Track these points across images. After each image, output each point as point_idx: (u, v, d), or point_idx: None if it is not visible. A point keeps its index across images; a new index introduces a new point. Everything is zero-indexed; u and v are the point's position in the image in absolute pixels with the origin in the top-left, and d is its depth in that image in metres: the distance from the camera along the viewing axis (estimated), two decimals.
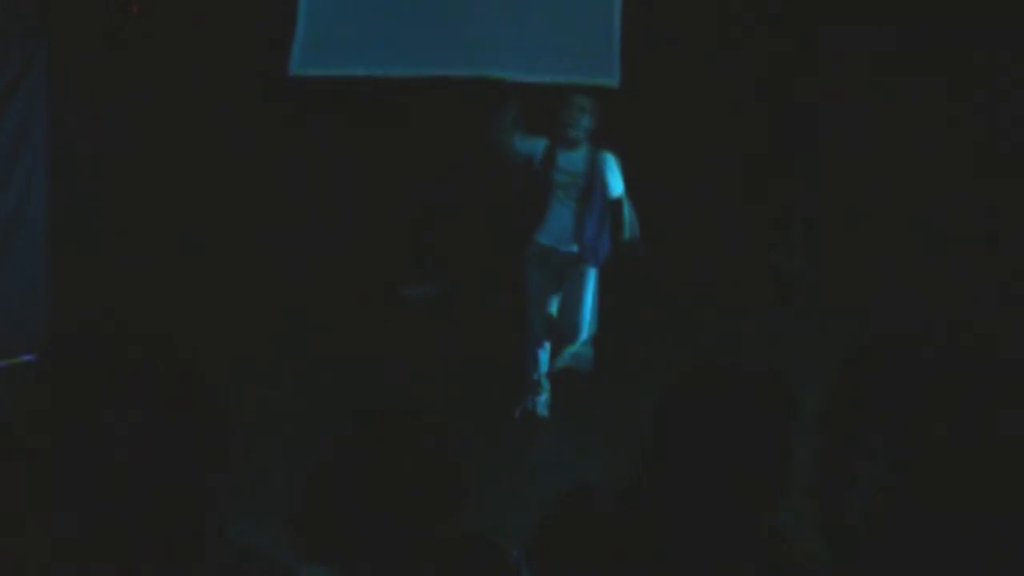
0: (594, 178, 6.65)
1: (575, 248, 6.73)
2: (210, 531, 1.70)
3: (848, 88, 9.12)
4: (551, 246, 6.79)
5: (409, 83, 8.66)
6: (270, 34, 8.55)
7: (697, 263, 9.03)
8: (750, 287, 9.17)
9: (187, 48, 8.52)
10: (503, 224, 7.56)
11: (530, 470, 6.15)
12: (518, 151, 6.70)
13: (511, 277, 7.38)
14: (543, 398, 7.00)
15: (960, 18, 8.81)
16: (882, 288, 8.40)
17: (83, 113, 7.99)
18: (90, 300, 7.40)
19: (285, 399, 6.95)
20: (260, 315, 8.21)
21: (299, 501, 2.26)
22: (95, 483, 1.58)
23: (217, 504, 1.70)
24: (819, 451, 1.56)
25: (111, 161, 8.21)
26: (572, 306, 6.80)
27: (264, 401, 6.67)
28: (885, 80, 8.99)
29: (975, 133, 8.85)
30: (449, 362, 7.65)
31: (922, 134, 8.95)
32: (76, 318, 7.01)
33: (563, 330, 6.85)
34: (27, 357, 6.59)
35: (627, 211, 6.73)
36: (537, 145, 6.72)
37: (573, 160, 6.68)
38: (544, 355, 6.93)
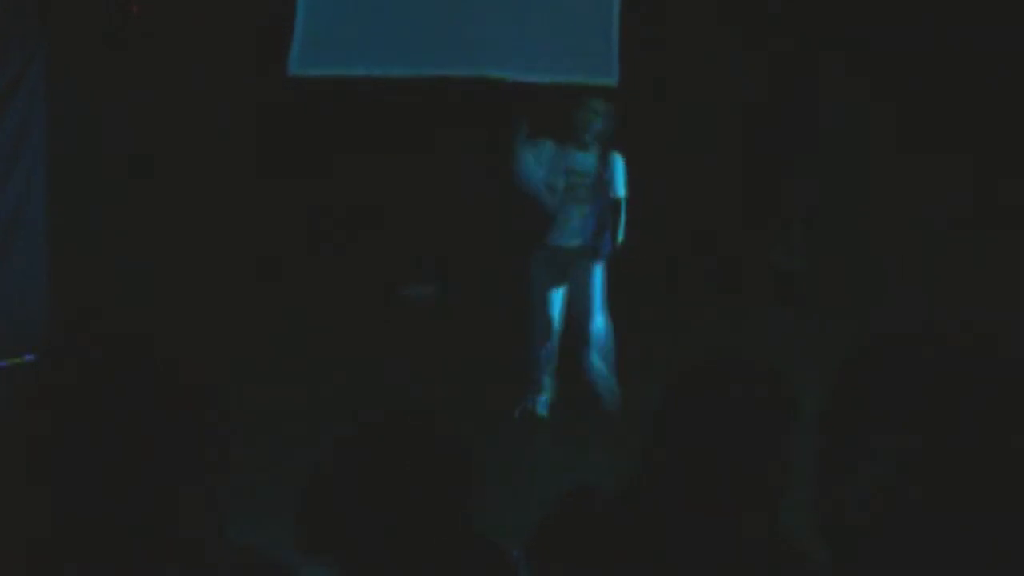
0: (603, 178, 6.67)
1: (579, 242, 6.73)
2: (210, 531, 1.70)
3: (848, 88, 9.12)
4: (558, 245, 6.80)
5: (409, 83, 8.67)
6: (270, 34, 8.56)
7: (697, 263, 9.03)
8: (750, 287, 9.18)
9: (187, 48, 8.52)
10: (509, 226, 7.57)
11: (530, 470, 6.14)
12: (529, 164, 6.68)
13: (511, 277, 7.38)
14: (543, 398, 7.00)
15: (960, 18, 8.82)
16: (882, 288, 8.40)
17: (83, 113, 7.99)
18: (90, 300, 7.40)
19: (285, 399, 6.95)
20: (260, 315, 8.21)
21: (300, 500, 2.26)
22: (95, 483, 1.58)
23: (217, 504, 1.70)
24: (819, 451, 1.56)
25: (111, 161, 8.21)
26: (582, 298, 6.80)
27: (264, 401, 6.67)
28: (885, 80, 8.99)
29: (975, 133, 8.85)
30: (449, 362, 7.65)
31: (922, 134, 8.95)
32: (76, 318, 7.02)
33: (578, 322, 6.83)
34: (27, 357, 6.60)
35: (623, 214, 6.75)
36: (544, 150, 6.70)
37: (585, 161, 6.69)
38: (547, 356, 6.94)
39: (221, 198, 8.62)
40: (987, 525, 1.42)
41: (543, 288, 6.86)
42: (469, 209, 8.96)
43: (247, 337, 7.76)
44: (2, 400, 1.69)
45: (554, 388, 7.01)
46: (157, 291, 7.71)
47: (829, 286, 8.93)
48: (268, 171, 8.82)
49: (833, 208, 9.25)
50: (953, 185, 8.77)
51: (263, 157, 8.82)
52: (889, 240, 9.01)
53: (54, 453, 1.60)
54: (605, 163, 6.67)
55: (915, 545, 1.44)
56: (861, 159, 9.11)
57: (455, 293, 9.08)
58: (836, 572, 1.53)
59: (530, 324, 6.93)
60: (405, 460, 2.26)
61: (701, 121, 9.08)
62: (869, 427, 1.49)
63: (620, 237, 6.75)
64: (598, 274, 6.78)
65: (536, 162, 6.65)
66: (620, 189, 6.72)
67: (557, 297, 6.88)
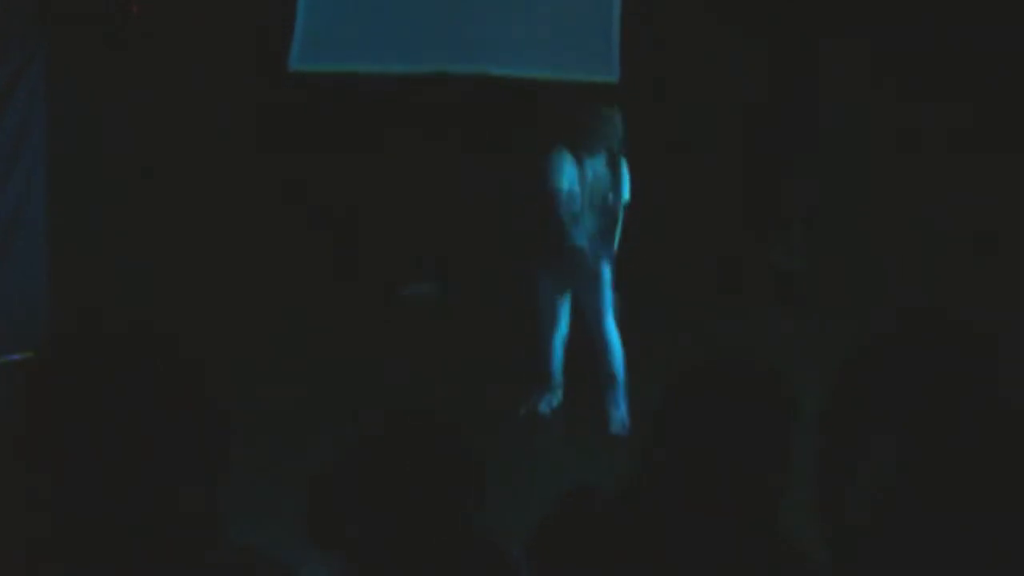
0: (610, 183, 6.71)
1: (588, 247, 6.74)
2: (210, 531, 1.70)
3: (848, 88, 9.12)
4: (569, 251, 6.80)
5: (410, 82, 8.67)
6: (270, 32, 8.57)
7: (697, 263, 9.03)
8: (750, 287, 9.17)
9: (187, 48, 8.52)
10: (509, 226, 7.57)
11: (530, 470, 6.14)
12: (564, 175, 6.67)
13: (511, 277, 7.38)
14: (549, 397, 7.03)
15: (960, 18, 8.81)
16: (882, 288, 8.40)
17: (83, 113, 7.99)
18: (90, 300, 7.40)
19: (285, 399, 6.95)
20: (260, 315, 8.21)
21: (300, 501, 2.26)
22: (95, 483, 1.58)
23: (217, 504, 1.70)
24: (819, 451, 1.56)
25: (111, 161, 8.21)
26: (593, 303, 6.81)
27: (264, 401, 6.67)
28: (885, 80, 8.99)
29: (975, 133, 8.85)
30: (449, 362, 7.65)
31: (922, 134, 8.95)
32: (76, 318, 7.02)
33: (590, 327, 6.84)
34: (27, 357, 6.60)
35: (621, 219, 6.80)
36: (565, 159, 6.68)
37: (596, 168, 6.71)
38: (555, 356, 6.96)
39: (221, 198, 8.61)
40: (987, 525, 1.42)
41: (552, 294, 6.88)
42: (469, 209, 8.95)
43: (247, 337, 7.76)
44: (2, 399, 1.69)
45: (560, 387, 7.03)
46: (157, 291, 7.71)
47: (829, 286, 8.93)
48: (268, 171, 8.82)
49: (833, 208, 9.24)
50: (953, 185, 8.77)
51: (263, 157, 8.81)
52: (889, 240, 9.01)
53: (54, 453, 1.60)
54: (614, 168, 6.70)
55: (915, 545, 1.44)
56: (861, 159, 9.10)
57: (455, 293, 9.08)
58: (836, 572, 1.53)
59: (539, 326, 6.94)
60: (405, 460, 2.26)
61: (701, 121, 9.07)
62: (869, 427, 1.49)
63: (616, 241, 6.80)
64: (606, 277, 6.80)
65: (564, 172, 6.66)
66: (625, 194, 6.76)
67: (565, 301, 6.90)
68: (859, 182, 9.09)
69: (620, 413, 6.81)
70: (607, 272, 6.80)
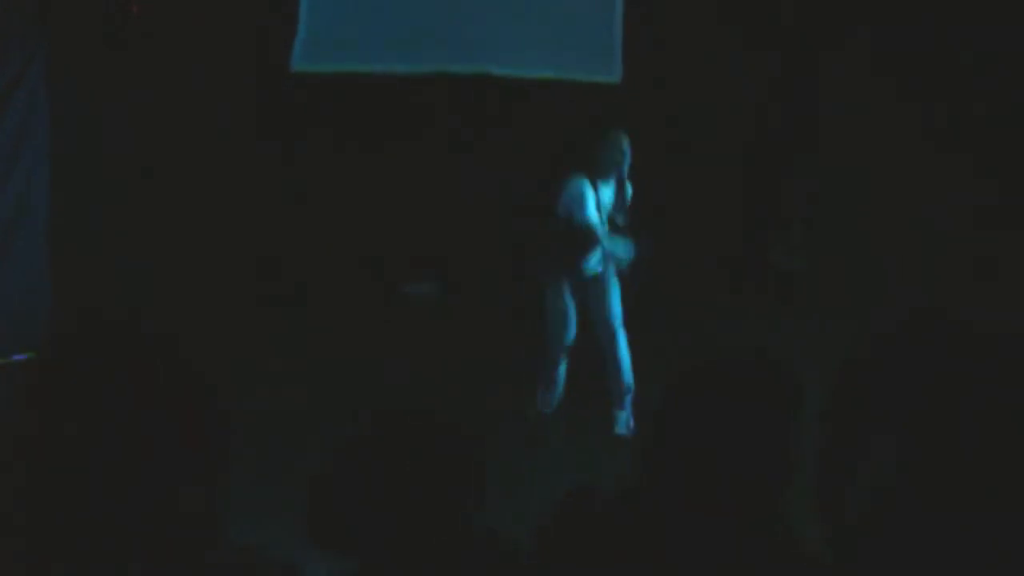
0: (619, 202, 6.79)
1: (599, 267, 6.84)
2: (210, 531, 1.70)
3: (848, 88, 9.12)
4: (582, 273, 6.87)
5: (410, 82, 8.67)
6: (270, 32, 8.56)
7: (697, 263, 9.03)
8: (750, 287, 9.17)
9: (187, 48, 8.51)
10: (509, 226, 7.57)
11: (530, 470, 6.14)
12: (593, 205, 6.74)
13: (511, 277, 7.39)
14: (552, 396, 7.04)
15: (960, 18, 8.81)
16: (882, 288, 8.40)
17: (83, 113, 7.99)
18: (90, 300, 7.40)
19: (285, 399, 6.95)
20: (260, 315, 8.21)
21: (300, 501, 2.26)
22: (95, 483, 1.58)
23: (217, 504, 1.70)
24: (819, 451, 1.56)
25: (111, 161, 8.21)
26: (604, 317, 6.86)
27: (264, 401, 6.67)
28: (885, 80, 8.99)
29: (975, 133, 8.85)
30: (449, 362, 7.66)
31: (922, 134, 8.95)
32: (76, 317, 7.02)
33: (602, 339, 6.88)
34: (27, 356, 6.60)
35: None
36: (586, 187, 6.73)
37: (608, 193, 6.80)
38: (561, 359, 6.97)
39: (221, 198, 8.61)
40: (987, 525, 1.42)
41: (563, 305, 6.90)
42: (469, 209, 8.95)
43: (247, 337, 7.76)
44: (2, 399, 1.69)
45: (562, 387, 7.05)
46: (157, 291, 7.70)
47: (829, 286, 8.93)
48: (268, 171, 8.82)
49: (833, 208, 9.24)
50: (953, 185, 8.77)
51: (263, 157, 8.81)
52: (889, 240, 9.01)
53: (54, 453, 1.60)
54: (620, 190, 6.75)
55: (915, 545, 1.44)
56: (861, 159, 9.10)
57: (455, 293, 9.08)
58: (836, 572, 1.53)
59: (548, 334, 6.95)
60: (405, 460, 2.26)
61: (701, 121, 9.07)
62: (869, 427, 1.49)
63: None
64: (617, 292, 6.88)
65: (588, 200, 6.73)
66: (625, 216, 6.84)
67: (574, 311, 6.94)
68: (859, 182, 9.09)
69: (625, 414, 6.85)
70: (617, 287, 6.87)
